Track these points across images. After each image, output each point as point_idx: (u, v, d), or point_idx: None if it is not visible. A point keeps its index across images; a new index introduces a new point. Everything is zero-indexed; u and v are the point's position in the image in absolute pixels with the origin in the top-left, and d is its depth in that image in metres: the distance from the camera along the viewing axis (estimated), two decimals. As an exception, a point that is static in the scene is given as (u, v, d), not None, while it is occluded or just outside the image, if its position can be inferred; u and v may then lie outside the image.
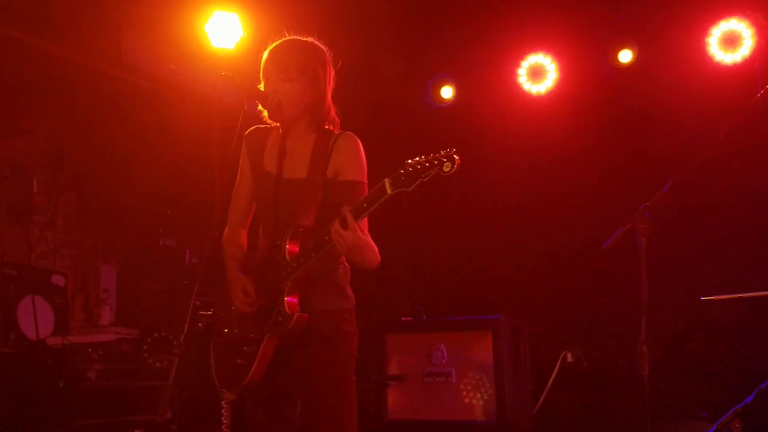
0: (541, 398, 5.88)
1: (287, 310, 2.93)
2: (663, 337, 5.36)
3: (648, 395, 4.16)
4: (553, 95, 6.38)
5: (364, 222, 2.95)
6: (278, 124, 3.17)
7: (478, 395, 5.53)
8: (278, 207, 3.08)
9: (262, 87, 3.12)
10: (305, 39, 3.17)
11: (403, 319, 6.16)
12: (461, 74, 6.74)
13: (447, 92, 6.80)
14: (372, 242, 2.97)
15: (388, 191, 2.76)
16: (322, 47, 3.20)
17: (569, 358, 5.97)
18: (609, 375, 5.92)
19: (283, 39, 3.16)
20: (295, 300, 2.97)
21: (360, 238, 2.84)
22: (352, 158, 3.09)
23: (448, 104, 6.79)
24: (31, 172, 5.84)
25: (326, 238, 2.87)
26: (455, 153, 2.73)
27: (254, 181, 3.20)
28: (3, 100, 5.66)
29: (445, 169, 2.71)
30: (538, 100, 6.42)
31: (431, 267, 6.91)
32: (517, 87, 6.47)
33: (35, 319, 5.27)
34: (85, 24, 5.22)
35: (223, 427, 3.15)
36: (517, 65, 6.45)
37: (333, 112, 3.19)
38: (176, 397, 2.53)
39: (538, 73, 6.41)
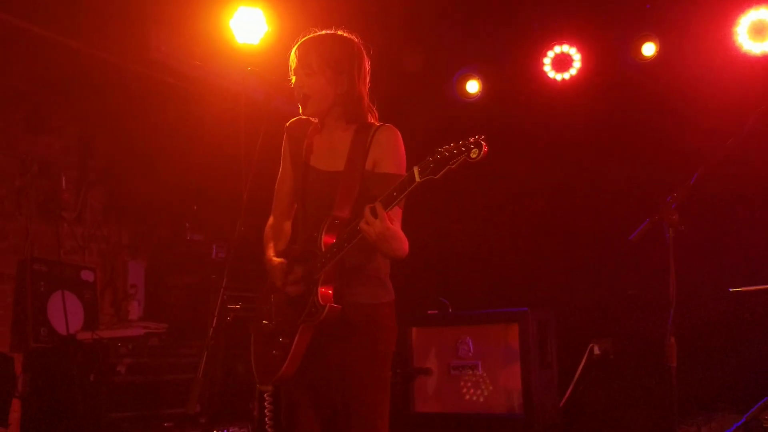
0: (569, 391, 5.87)
1: (320, 301, 2.93)
2: (691, 329, 5.31)
3: (676, 387, 4.14)
4: (579, 86, 6.32)
5: (397, 213, 2.94)
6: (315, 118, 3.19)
7: (505, 388, 5.52)
8: (316, 199, 3.10)
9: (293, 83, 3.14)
10: (331, 32, 3.16)
11: (429, 312, 6.17)
12: (487, 68, 6.70)
13: (473, 86, 6.76)
14: (401, 233, 2.96)
15: (417, 179, 2.74)
16: (352, 38, 3.17)
17: (596, 351, 5.95)
18: (636, 367, 5.89)
19: (305, 36, 3.15)
20: (329, 291, 2.96)
21: (388, 227, 2.81)
22: (391, 150, 3.09)
23: (475, 98, 6.75)
24: (60, 168, 5.90)
25: (357, 228, 2.86)
26: (483, 139, 2.71)
27: (295, 174, 3.21)
28: (31, 98, 5.73)
29: (473, 155, 2.70)
30: (564, 92, 6.36)
31: (457, 260, 6.90)
32: (543, 77, 6.41)
33: (65, 314, 5.34)
34: (111, 21, 5.26)
35: (266, 419, 3.16)
36: (543, 55, 6.39)
37: (366, 103, 3.17)
38: (205, 391, 2.55)
39: (563, 63, 6.35)
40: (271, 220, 3.31)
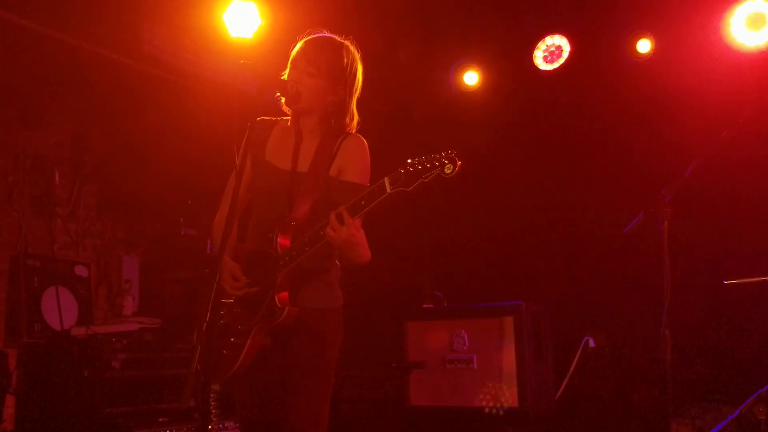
0: (563, 384, 5.88)
1: (278, 304, 2.93)
2: (685, 322, 5.33)
3: (670, 380, 4.15)
4: (575, 78, 6.30)
5: (358, 220, 2.91)
6: (286, 118, 3.18)
7: (500, 381, 5.53)
8: (273, 198, 3.08)
9: (285, 75, 3.12)
10: (341, 39, 3.17)
11: (424, 306, 6.17)
12: (483, 60, 6.68)
13: (471, 78, 6.72)
14: (365, 239, 2.96)
15: (388, 190, 2.75)
16: (356, 53, 3.19)
17: (591, 344, 5.96)
18: (631, 360, 5.91)
19: (321, 34, 3.15)
20: (285, 294, 2.96)
21: (354, 234, 2.83)
22: (357, 160, 3.10)
23: (472, 90, 6.72)
24: (53, 164, 5.88)
25: (321, 233, 2.86)
26: (456, 155, 2.71)
27: (254, 171, 3.19)
28: (24, 93, 5.71)
29: (447, 171, 2.70)
30: (559, 84, 6.34)
31: (452, 254, 6.91)
32: (535, 69, 6.39)
33: (59, 309, 5.33)
34: (104, 15, 5.25)
35: (212, 416, 3.18)
36: (535, 47, 6.36)
37: (353, 120, 3.18)
38: (199, 386, 2.54)
39: (554, 54, 6.32)
40: (218, 217, 3.28)
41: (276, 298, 2.94)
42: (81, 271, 5.75)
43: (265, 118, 3.22)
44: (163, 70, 5.71)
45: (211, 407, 3.12)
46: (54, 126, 5.97)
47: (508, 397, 5.48)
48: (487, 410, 5.51)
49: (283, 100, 3.13)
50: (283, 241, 2.97)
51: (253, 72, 3.04)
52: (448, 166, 2.70)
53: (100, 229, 6.24)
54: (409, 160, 2.75)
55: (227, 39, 5.44)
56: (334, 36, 3.16)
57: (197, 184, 6.14)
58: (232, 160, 2.92)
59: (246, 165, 3.16)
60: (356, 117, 3.20)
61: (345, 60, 3.13)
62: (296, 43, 3.17)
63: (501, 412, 5.46)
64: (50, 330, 5.30)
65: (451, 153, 2.72)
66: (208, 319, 2.56)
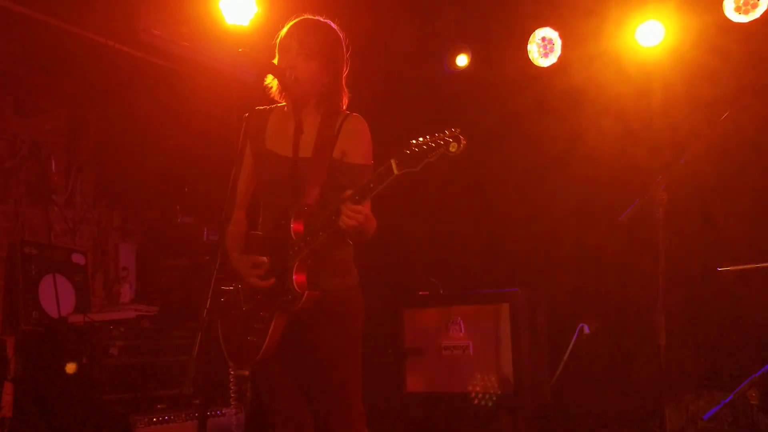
0: (558, 370, 5.91)
1: (297, 289, 2.96)
2: (680, 308, 5.36)
3: (665, 366, 4.18)
4: (568, 64, 6.29)
5: (367, 202, 2.96)
6: (282, 104, 3.20)
7: (496, 368, 5.56)
8: (281, 185, 3.09)
9: (276, 62, 3.14)
10: (325, 20, 3.19)
11: (420, 293, 6.20)
12: (477, 45, 6.67)
13: (462, 60, 6.72)
14: (371, 214, 3.01)
15: (396, 172, 2.77)
16: (340, 32, 3.21)
17: (586, 330, 5.99)
18: (625, 346, 5.94)
19: (305, 17, 3.17)
20: (303, 278, 2.98)
21: (368, 217, 2.89)
22: (359, 141, 3.12)
23: (464, 73, 6.71)
24: (49, 151, 5.88)
25: (333, 217, 2.88)
26: (461, 133, 2.73)
27: (256, 161, 3.20)
28: (19, 79, 5.69)
29: (452, 149, 2.72)
30: (553, 71, 6.34)
31: (448, 240, 6.92)
32: (528, 59, 6.39)
33: (57, 297, 5.34)
34: (100, 2, 5.23)
35: (231, 400, 3.22)
36: (527, 39, 6.37)
37: (346, 97, 3.20)
38: (199, 372, 2.56)
39: (547, 47, 6.32)
40: (231, 225, 3.15)
41: (294, 284, 2.96)
42: (78, 258, 5.75)
43: (259, 107, 3.22)
44: (160, 57, 5.69)
45: (231, 392, 3.17)
46: (50, 113, 5.96)
47: (504, 383, 5.52)
48: (483, 396, 5.55)
49: (273, 87, 3.14)
50: (296, 226, 3.00)
51: (250, 59, 3.04)
52: (452, 144, 2.72)
53: (97, 217, 6.24)
54: (413, 141, 2.77)
55: (224, 26, 5.43)
56: (318, 17, 3.18)
57: (194, 171, 6.14)
58: (231, 149, 2.94)
59: (246, 156, 3.14)
60: (347, 93, 3.22)
61: (333, 39, 3.17)
62: (280, 29, 3.19)
63: (497, 398, 5.50)
64: (48, 317, 5.31)
65: (455, 131, 2.74)
66: (208, 305, 2.58)
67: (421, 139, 2.77)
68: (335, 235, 2.97)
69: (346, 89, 3.21)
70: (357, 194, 2.83)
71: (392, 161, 2.77)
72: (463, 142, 2.72)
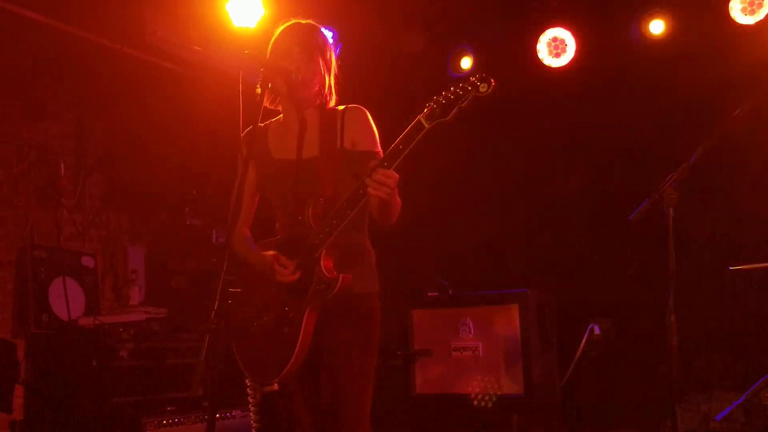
0: (569, 371, 5.89)
1: (328, 275, 2.87)
2: (691, 308, 5.33)
3: (677, 366, 4.15)
4: (578, 66, 6.28)
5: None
6: (276, 118, 3.19)
7: (506, 369, 5.54)
8: (297, 188, 3.04)
9: None
10: (313, 22, 3.19)
11: (429, 294, 6.18)
12: (481, 46, 6.66)
13: (466, 63, 6.71)
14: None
15: (426, 125, 2.69)
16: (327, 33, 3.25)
17: (596, 331, 5.96)
18: (637, 346, 5.91)
19: (297, 21, 3.17)
20: (331, 263, 2.88)
21: (397, 180, 2.73)
22: (366, 128, 3.09)
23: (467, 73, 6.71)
24: (58, 155, 5.90)
25: (361, 191, 2.78)
26: (487, 74, 2.67)
27: (265, 171, 3.15)
28: (28, 84, 5.71)
29: (482, 89, 2.66)
30: (564, 71, 6.32)
31: (457, 241, 6.91)
32: (537, 59, 6.37)
33: (67, 300, 5.35)
34: (108, 6, 5.25)
35: (251, 413, 3.15)
36: (537, 40, 6.35)
37: (334, 96, 3.19)
38: (207, 375, 2.54)
39: (558, 48, 6.31)
40: (235, 238, 3.12)
41: (324, 271, 2.86)
42: (87, 261, 5.77)
43: (254, 126, 3.09)
44: (167, 60, 5.71)
45: (250, 402, 3.08)
46: (58, 117, 5.98)
47: (514, 384, 5.50)
48: (492, 398, 5.53)
49: (257, 90, 3.04)
50: (316, 215, 2.91)
51: (257, 61, 3.04)
52: (482, 85, 2.66)
53: (106, 220, 6.26)
54: (438, 94, 2.70)
55: (231, 29, 5.44)
56: (309, 20, 3.19)
57: (202, 173, 6.14)
58: (236, 149, 2.93)
59: (248, 173, 3.03)
60: (335, 94, 3.20)
61: (326, 41, 3.19)
62: (272, 35, 3.19)
63: (507, 400, 5.48)
64: (58, 320, 5.32)
65: (482, 74, 2.68)
66: (216, 308, 2.56)
67: (446, 91, 2.69)
68: (357, 226, 2.91)
69: (333, 84, 3.19)
70: (385, 159, 2.73)
71: (420, 117, 2.70)
72: (493, 82, 2.65)
